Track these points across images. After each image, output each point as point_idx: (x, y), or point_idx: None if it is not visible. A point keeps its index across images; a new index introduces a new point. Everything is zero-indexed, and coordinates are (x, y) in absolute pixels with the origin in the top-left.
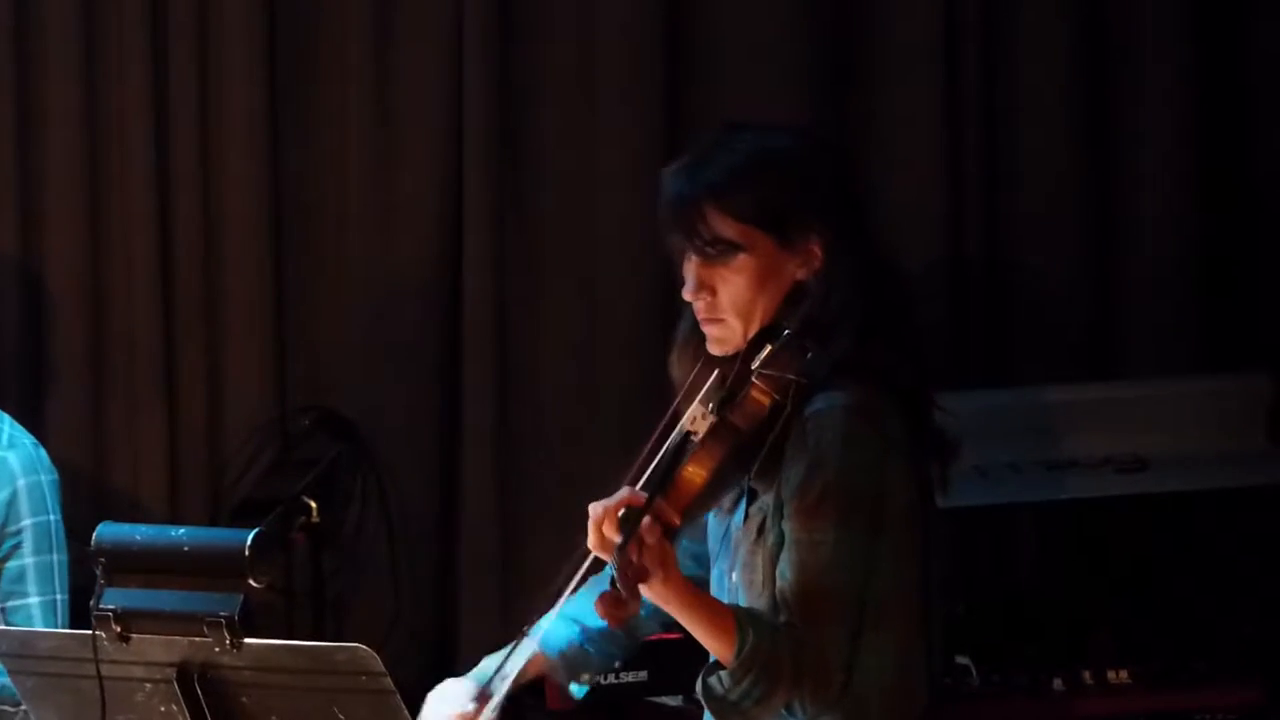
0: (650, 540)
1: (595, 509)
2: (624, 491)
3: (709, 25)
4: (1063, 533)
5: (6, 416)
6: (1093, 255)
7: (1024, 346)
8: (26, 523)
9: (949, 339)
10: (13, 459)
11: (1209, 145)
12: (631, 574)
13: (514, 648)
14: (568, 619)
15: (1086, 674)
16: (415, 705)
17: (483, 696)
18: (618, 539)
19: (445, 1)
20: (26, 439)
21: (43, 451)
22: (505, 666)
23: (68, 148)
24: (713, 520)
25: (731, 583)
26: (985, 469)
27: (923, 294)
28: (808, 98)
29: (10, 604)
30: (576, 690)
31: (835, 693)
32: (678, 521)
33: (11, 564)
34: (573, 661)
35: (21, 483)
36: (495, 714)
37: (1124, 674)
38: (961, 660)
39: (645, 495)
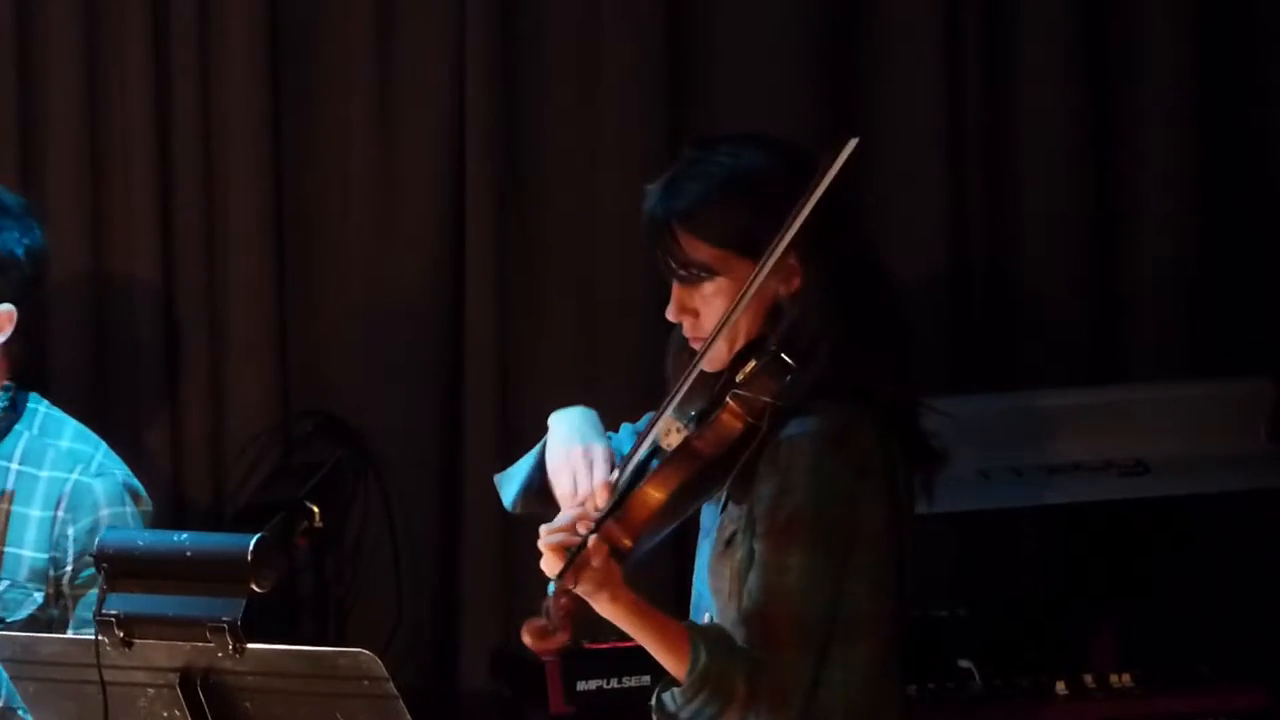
0: (596, 563)
1: (543, 533)
2: (572, 513)
3: (711, 25)
4: (1065, 536)
5: (103, 445)
6: (1094, 259)
7: (1026, 350)
8: None
9: (951, 343)
10: (99, 488)
11: (1210, 149)
12: (563, 604)
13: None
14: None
15: (1089, 678)
16: (418, 709)
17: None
18: (558, 568)
19: (447, 3)
20: (119, 469)
21: (135, 482)
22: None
23: (69, 155)
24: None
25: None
26: (987, 472)
27: (924, 298)
28: (808, 100)
29: (84, 631)
30: None
31: (792, 716)
32: (628, 544)
33: (91, 593)
34: None
35: (105, 512)
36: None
37: (1126, 678)
38: (964, 664)
39: (596, 517)
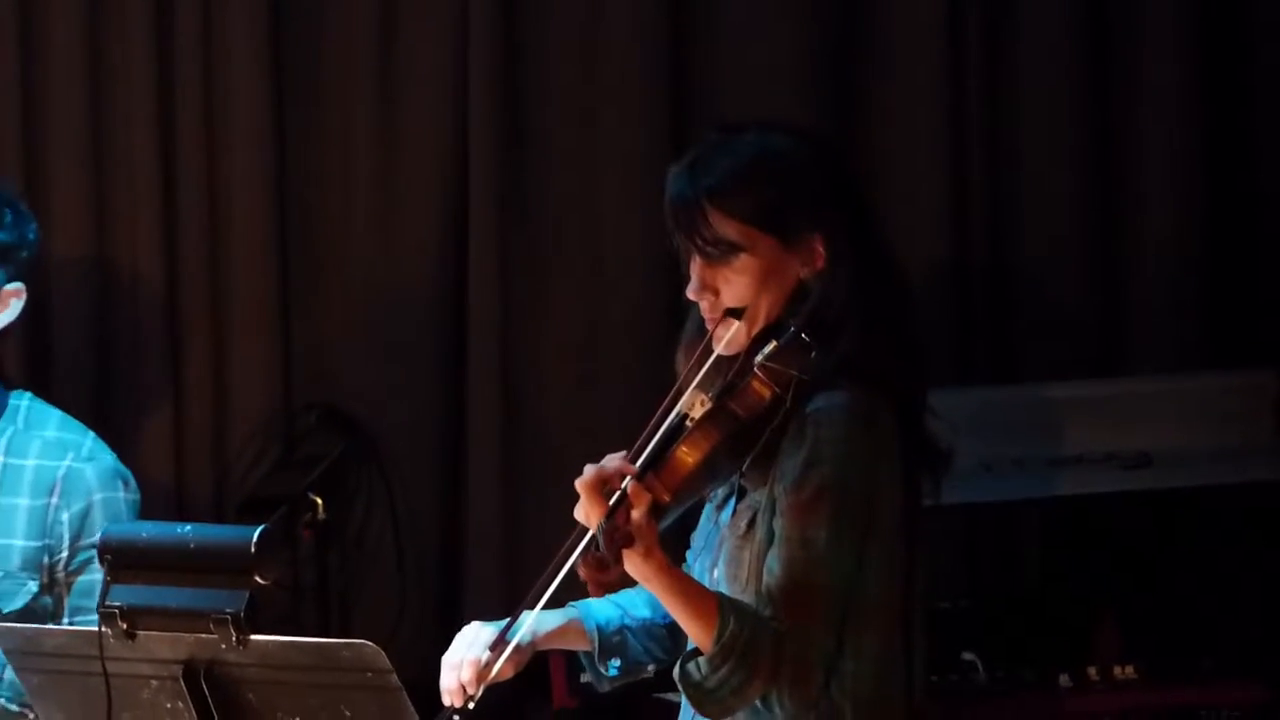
0: (638, 511)
1: (587, 472)
2: (615, 459)
3: (712, 22)
4: (1068, 529)
5: (90, 433)
6: (1097, 250)
7: (1028, 342)
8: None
9: (953, 335)
10: (90, 472)
11: (1213, 141)
12: (618, 538)
13: (522, 612)
14: (613, 601)
15: (1092, 670)
16: (422, 701)
17: (499, 643)
18: (606, 506)
19: (450, 1)
20: (108, 455)
21: (124, 469)
22: (520, 622)
23: (71, 145)
24: (704, 519)
25: (713, 579)
26: (990, 465)
27: (927, 289)
28: (810, 96)
29: (78, 619)
30: (609, 669)
31: (814, 691)
32: (667, 499)
33: (83, 578)
34: (608, 641)
35: (98, 497)
36: (507, 663)
37: (1130, 670)
38: (968, 656)
39: (637, 468)
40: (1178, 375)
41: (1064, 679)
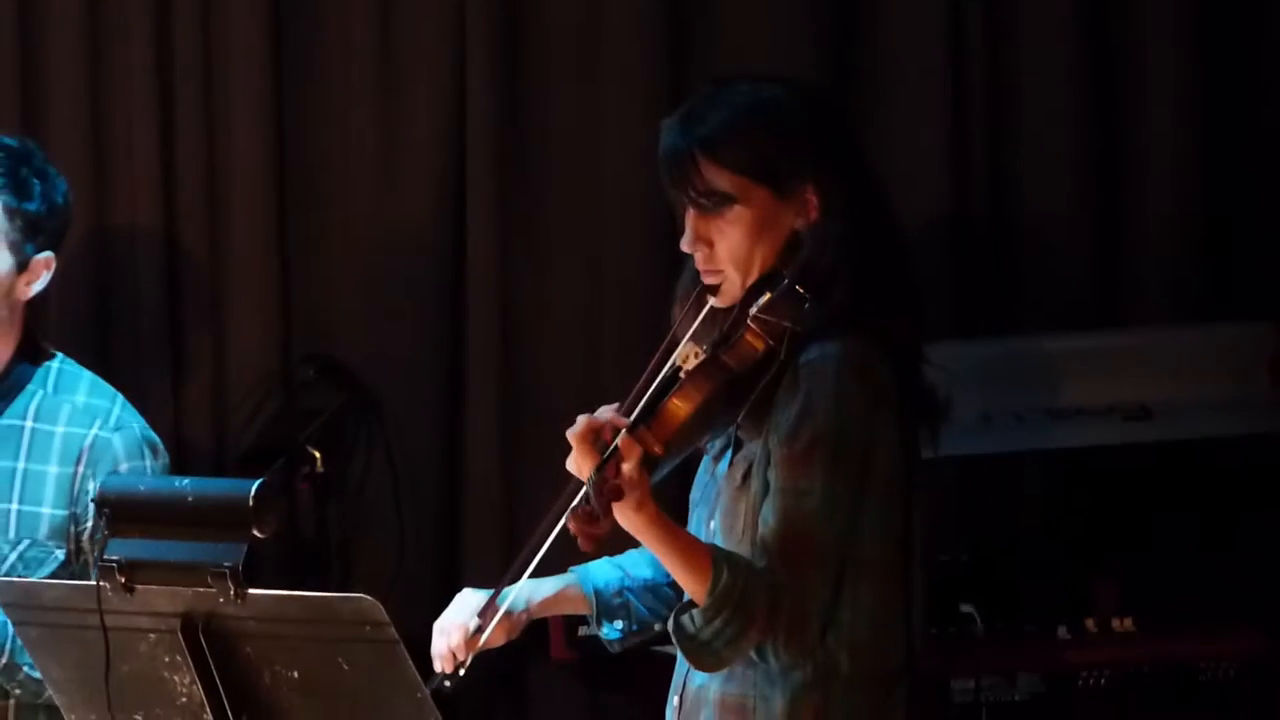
0: (628, 464)
1: (579, 423)
2: (608, 411)
3: None
4: (1067, 480)
5: (120, 398)
6: (1098, 202)
7: (1028, 294)
8: None
9: (954, 287)
10: (117, 442)
11: (1214, 92)
12: (607, 491)
13: (512, 577)
14: (614, 564)
15: (1090, 622)
16: (419, 655)
17: (489, 610)
18: (597, 458)
19: None
20: (136, 422)
21: (153, 434)
22: (507, 590)
23: (70, 105)
24: (701, 470)
25: (709, 530)
26: (989, 417)
27: (928, 242)
28: (811, 49)
29: None
30: (608, 631)
31: (811, 642)
32: (659, 451)
33: None
34: (608, 604)
35: (124, 467)
36: (498, 630)
37: (1128, 622)
38: (966, 608)
39: (629, 420)
40: (1177, 327)
41: (1062, 631)
